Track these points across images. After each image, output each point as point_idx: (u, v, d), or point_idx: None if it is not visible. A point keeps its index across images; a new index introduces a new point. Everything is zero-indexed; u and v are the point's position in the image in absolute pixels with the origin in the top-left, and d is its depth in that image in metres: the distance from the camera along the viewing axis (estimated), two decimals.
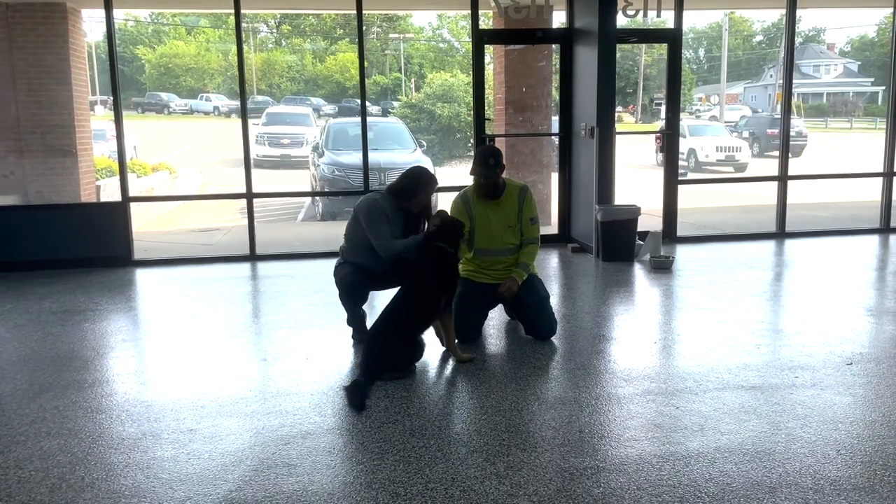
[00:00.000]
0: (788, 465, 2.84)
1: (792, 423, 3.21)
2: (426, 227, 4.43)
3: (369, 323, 4.54)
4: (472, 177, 4.47)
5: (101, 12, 7.05)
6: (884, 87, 35.87)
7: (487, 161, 4.35)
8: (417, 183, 4.36)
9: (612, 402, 3.52)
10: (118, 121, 7.17)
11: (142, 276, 6.76)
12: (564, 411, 3.42)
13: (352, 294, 4.44)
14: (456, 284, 4.17)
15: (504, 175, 4.53)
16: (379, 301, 4.61)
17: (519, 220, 4.46)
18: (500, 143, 9.30)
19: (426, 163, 12.23)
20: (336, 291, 4.52)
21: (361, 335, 4.49)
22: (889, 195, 8.44)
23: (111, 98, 7.35)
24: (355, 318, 4.52)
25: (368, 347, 3.89)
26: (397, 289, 4.23)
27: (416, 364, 3.99)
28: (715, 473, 2.78)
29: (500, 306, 4.89)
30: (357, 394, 3.53)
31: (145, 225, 10.53)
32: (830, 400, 3.48)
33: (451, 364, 4.13)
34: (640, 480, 2.74)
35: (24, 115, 8.33)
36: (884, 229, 8.29)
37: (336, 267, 4.53)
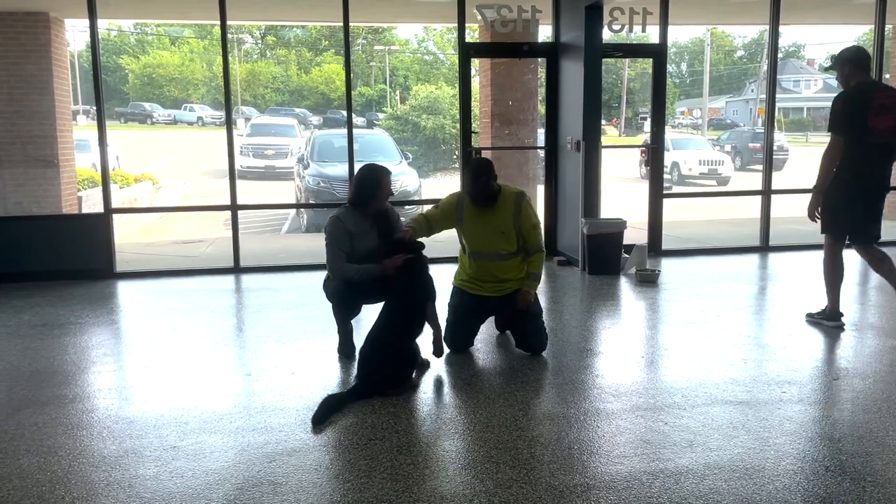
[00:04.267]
0: (778, 482, 2.83)
1: (781, 439, 3.21)
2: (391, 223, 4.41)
3: (356, 338, 4.52)
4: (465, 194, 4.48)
5: (85, 22, 6.98)
6: None
7: (479, 179, 4.36)
8: (372, 184, 4.33)
9: (600, 417, 3.50)
10: (101, 131, 7.08)
11: (124, 288, 6.67)
12: (553, 427, 3.40)
13: (343, 306, 4.41)
14: (432, 290, 4.16)
15: (506, 184, 4.58)
16: (367, 318, 4.56)
17: (514, 227, 4.39)
18: (485, 156, 9.32)
19: (411, 174, 12.26)
20: (325, 304, 4.50)
21: (347, 349, 4.46)
22: None
23: (94, 108, 7.27)
24: (344, 331, 4.48)
25: (366, 364, 3.86)
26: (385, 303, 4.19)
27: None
28: (705, 490, 2.77)
29: (491, 320, 4.88)
30: (326, 407, 3.52)
31: (128, 236, 10.42)
32: (818, 415, 3.49)
33: (439, 380, 4.10)
34: (630, 498, 2.72)
35: (5, 125, 8.23)
36: None
37: (325, 282, 4.51)
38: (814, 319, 5.04)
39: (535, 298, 4.56)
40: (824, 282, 4.92)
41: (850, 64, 4.69)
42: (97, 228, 7.07)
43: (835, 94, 4.78)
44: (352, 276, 4.21)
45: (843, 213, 4.70)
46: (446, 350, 4.34)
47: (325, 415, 3.48)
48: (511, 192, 4.47)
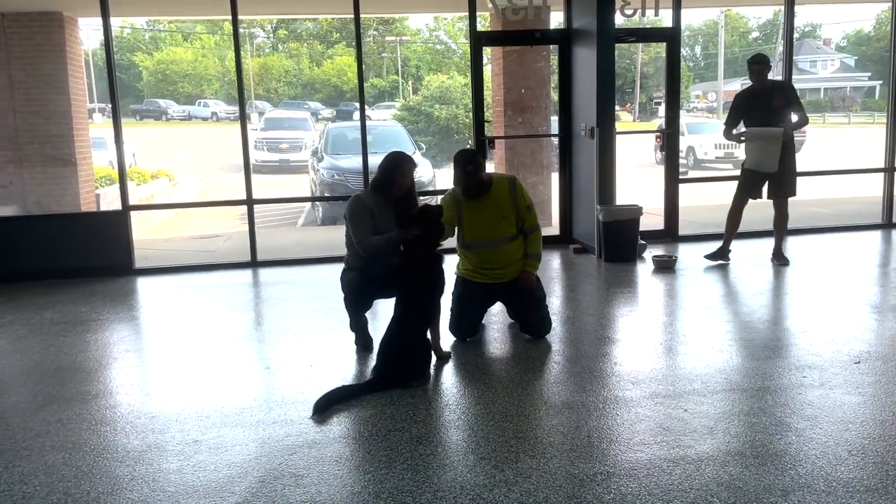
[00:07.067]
0: (800, 468, 2.81)
1: (802, 424, 3.19)
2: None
3: (371, 330, 4.54)
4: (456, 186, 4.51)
5: (98, 20, 7.01)
6: (881, 82, 35.88)
7: (466, 169, 4.38)
8: (393, 169, 4.37)
9: (619, 405, 3.49)
10: (117, 128, 7.13)
11: (143, 284, 6.74)
12: (572, 416, 3.40)
13: (355, 297, 4.43)
14: (443, 284, 4.15)
15: (496, 172, 4.59)
16: (382, 310, 4.58)
17: (514, 209, 4.45)
18: (499, 145, 9.28)
19: (425, 165, 12.24)
20: (342, 297, 4.52)
21: (364, 340, 4.48)
22: (890, 190, 8.40)
23: (109, 106, 7.32)
24: (358, 324, 4.50)
25: (383, 359, 3.88)
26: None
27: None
28: (726, 477, 2.76)
29: (504, 310, 4.88)
30: (328, 399, 3.55)
31: (146, 233, 10.50)
32: (840, 399, 3.46)
33: (456, 371, 4.11)
34: (650, 485, 2.72)
35: (23, 125, 8.31)
36: (886, 225, 8.27)
37: (342, 272, 4.53)
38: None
39: (538, 282, 4.60)
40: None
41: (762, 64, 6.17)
42: (116, 225, 7.13)
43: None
44: (376, 246, 4.23)
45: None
46: (446, 348, 4.33)
47: (326, 404, 3.51)
48: (503, 178, 4.57)
